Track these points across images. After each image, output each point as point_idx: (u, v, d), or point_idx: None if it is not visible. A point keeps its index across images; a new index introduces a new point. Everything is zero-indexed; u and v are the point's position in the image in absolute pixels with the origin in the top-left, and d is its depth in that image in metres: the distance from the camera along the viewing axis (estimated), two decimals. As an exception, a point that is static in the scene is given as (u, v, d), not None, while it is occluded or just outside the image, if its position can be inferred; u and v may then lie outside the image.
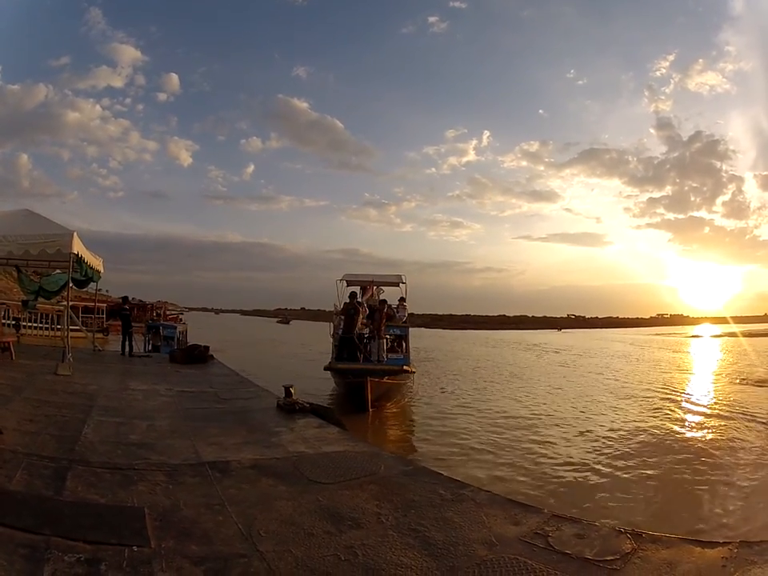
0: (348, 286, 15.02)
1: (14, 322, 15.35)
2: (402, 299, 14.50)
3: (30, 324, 16.26)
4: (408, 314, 14.53)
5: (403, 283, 14.77)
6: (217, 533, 3.20)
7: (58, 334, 15.70)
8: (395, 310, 14.00)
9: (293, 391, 7.45)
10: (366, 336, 12.76)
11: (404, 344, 13.32)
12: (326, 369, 12.32)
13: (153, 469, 4.31)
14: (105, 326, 19.97)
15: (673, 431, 10.26)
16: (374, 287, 15.12)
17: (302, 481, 4.28)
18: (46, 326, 16.60)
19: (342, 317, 12.53)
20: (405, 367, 12.55)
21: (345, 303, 12.83)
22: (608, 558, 2.93)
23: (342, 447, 5.43)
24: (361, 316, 12.43)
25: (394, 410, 12.10)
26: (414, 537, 3.25)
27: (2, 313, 15.14)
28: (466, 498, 3.96)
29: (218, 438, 5.48)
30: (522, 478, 7.18)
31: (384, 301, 13.61)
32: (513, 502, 4.06)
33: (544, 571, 2.81)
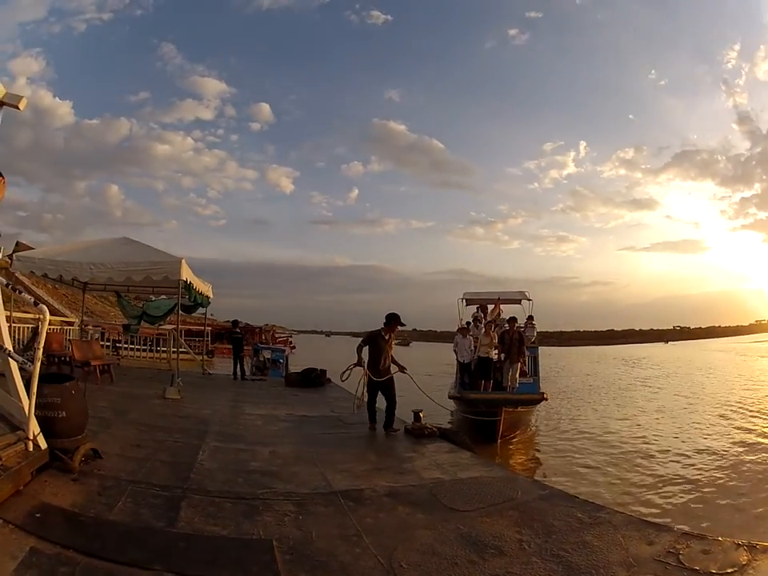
0: (467, 305, 14.99)
1: (110, 344, 16.67)
2: (531, 317, 14.01)
3: (129, 346, 17.49)
4: (537, 333, 13.91)
5: (528, 300, 14.43)
6: (355, 566, 3.19)
7: (163, 356, 16.94)
8: (524, 330, 13.36)
9: (422, 416, 7.58)
10: (495, 361, 12.09)
11: (534, 366, 12.85)
12: (451, 398, 12.04)
13: (280, 498, 4.27)
14: (210, 348, 21.24)
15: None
16: (500, 305, 14.85)
17: (439, 508, 4.30)
18: (144, 347, 17.74)
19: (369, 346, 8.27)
20: (543, 395, 11.99)
21: (368, 332, 8.41)
22: (728, 571, 3.19)
23: (477, 473, 5.49)
24: (390, 344, 8.26)
25: (521, 436, 11.94)
26: (557, 562, 3.32)
27: (99, 335, 16.57)
28: (603, 520, 4.09)
29: (346, 465, 5.48)
30: (648, 498, 7.55)
31: (513, 318, 12.74)
32: (646, 522, 4.22)
33: (677, 588, 3.05)
